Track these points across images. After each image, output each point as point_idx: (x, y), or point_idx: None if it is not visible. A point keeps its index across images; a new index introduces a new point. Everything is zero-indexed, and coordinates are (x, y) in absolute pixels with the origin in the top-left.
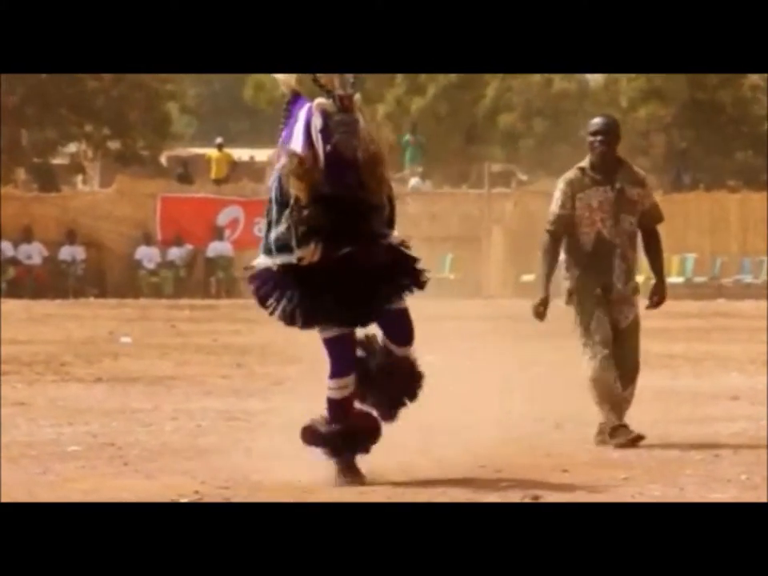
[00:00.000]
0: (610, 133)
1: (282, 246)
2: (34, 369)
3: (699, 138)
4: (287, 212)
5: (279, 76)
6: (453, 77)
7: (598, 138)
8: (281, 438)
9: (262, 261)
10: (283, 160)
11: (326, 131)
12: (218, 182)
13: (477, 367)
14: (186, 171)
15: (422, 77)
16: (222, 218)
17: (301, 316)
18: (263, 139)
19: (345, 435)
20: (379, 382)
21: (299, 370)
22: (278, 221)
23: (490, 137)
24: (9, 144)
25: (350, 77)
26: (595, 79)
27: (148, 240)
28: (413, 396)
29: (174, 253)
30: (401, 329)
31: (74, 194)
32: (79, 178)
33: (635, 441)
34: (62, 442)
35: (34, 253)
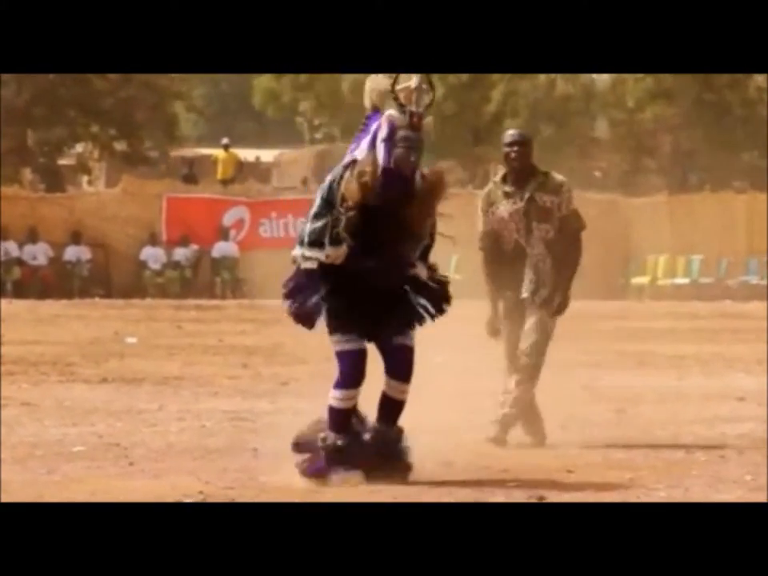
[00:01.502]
0: (525, 144)
1: (315, 241)
2: (39, 369)
3: (706, 138)
4: (331, 210)
5: (368, 88)
6: (460, 76)
7: (514, 148)
8: (287, 439)
9: (295, 251)
10: (344, 167)
11: (389, 143)
12: (224, 182)
13: (482, 368)
14: (191, 171)
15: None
16: (228, 219)
17: (315, 318)
18: (269, 140)
19: (346, 447)
20: (369, 457)
21: (306, 370)
22: (318, 215)
23: (496, 138)
24: (15, 144)
25: (427, 97)
26: (602, 80)
27: (153, 240)
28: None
29: (180, 253)
30: (401, 365)
31: (80, 195)
32: (85, 178)
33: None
34: (67, 442)
35: (39, 253)
